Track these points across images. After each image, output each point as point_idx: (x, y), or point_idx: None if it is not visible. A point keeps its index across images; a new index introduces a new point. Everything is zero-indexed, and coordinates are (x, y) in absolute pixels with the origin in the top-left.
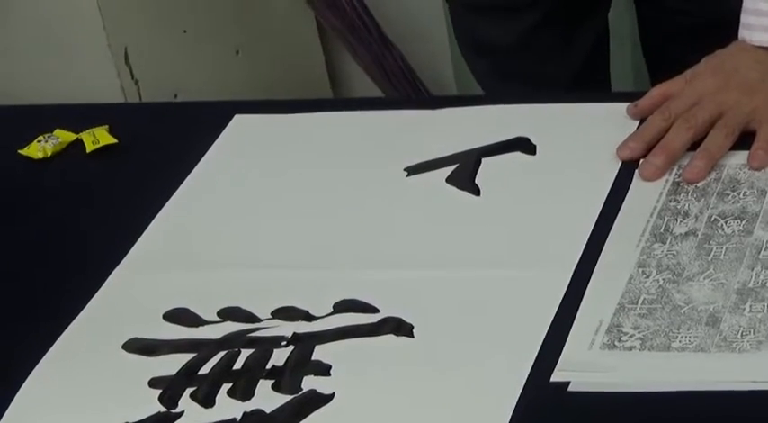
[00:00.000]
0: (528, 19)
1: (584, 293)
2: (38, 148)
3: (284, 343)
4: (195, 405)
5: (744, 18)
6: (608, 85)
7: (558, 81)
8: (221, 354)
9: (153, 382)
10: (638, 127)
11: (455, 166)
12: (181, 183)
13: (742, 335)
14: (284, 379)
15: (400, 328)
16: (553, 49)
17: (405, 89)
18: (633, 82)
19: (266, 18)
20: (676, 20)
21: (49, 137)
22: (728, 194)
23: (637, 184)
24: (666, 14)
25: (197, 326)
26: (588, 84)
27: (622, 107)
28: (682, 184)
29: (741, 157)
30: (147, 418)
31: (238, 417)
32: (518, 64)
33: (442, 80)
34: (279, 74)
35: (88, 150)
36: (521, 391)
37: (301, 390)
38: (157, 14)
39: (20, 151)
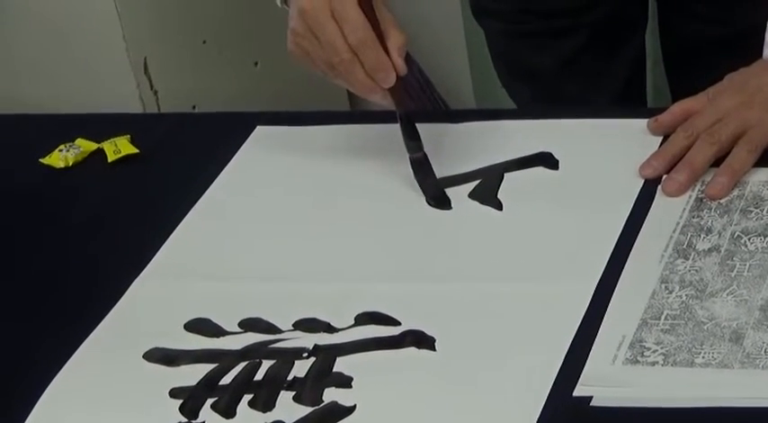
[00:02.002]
0: (571, 43)
1: (606, 308)
2: (59, 158)
3: (305, 354)
4: (216, 416)
5: None
6: (645, 103)
7: (600, 103)
8: (242, 364)
9: (174, 393)
10: (661, 144)
11: (477, 182)
12: (203, 193)
13: (765, 352)
14: (305, 390)
15: (422, 340)
16: (595, 72)
17: (423, 102)
18: (653, 99)
19: (286, 30)
20: (704, 30)
21: (70, 146)
22: (752, 211)
23: (660, 199)
24: (695, 24)
25: (218, 336)
26: (627, 103)
27: (644, 123)
28: (705, 200)
29: (764, 173)
30: None
31: None
32: (561, 89)
33: (461, 93)
34: (297, 86)
35: (110, 160)
36: (543, 404)
37: (322, 402)
38: (177, 25)
39: (41, 160)
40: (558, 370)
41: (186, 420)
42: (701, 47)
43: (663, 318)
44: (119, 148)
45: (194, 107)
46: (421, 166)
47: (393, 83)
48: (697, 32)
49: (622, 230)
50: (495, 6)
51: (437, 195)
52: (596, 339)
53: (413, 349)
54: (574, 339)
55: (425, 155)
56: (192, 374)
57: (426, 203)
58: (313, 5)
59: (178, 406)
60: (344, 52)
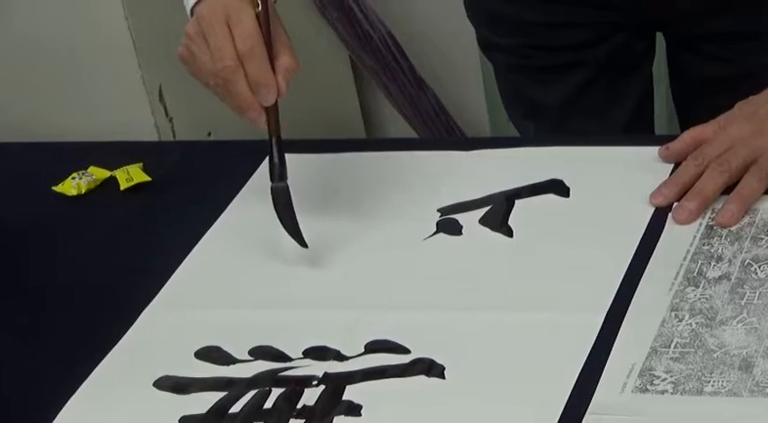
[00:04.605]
0: (577, 78)
1: (616, 336)
2: (72, 185)
3: (315, 382)
4: None
5: None
6: (652, 133)
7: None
8: (252, 393)
9: (183, 421)
10: (672, 171)
11: (488, 208)
12: (214, 221)
13: None
14: (314, 419)
15: (431, 369)
16: (602, 105)
17: (438, 130)
18: (667, 126)
19: (301, 58)
20: (713, 67)
21: (83, 174)
22: (762, 239)
23: (670, 227)
24: (703, 61)
25: (228, 364)
26: (635, 132)
27: (655, 150)
28: (715, 227)
29: None
30: None
31: None
32: (567, 123)
33: (476, 121)
34: (313, 114)
35: (122, 188)
36: None
37: None
38: None
39: (54, 188)
40: (567, 399)
41: None
42: (712, 85)
43: (672, 346)
44: (131, 176)
45: (209, 134)
46: (282, 196)
47: (273, 102)
48: (707, 71)
49: (633, 258)
50: (501, 41)
51: (292, 229)
52: (606, 368)
53: (422, 377)
54: (583, 368)
55: (287, 186)
56: (202, 402)
57: (437, 231)
58: (210, 11)
59: None
60: (230, 59)
